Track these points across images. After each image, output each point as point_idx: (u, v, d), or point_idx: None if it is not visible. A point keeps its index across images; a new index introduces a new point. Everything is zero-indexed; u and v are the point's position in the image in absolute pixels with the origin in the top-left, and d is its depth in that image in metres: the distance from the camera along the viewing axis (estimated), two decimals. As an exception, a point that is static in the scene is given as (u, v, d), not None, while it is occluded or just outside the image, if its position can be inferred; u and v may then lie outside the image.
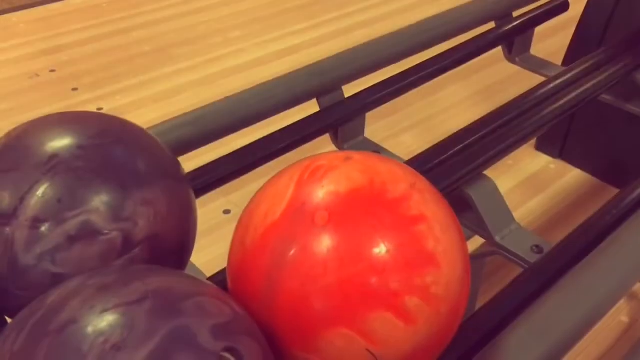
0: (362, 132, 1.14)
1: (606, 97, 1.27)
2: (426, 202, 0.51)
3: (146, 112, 2.00)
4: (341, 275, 0.48)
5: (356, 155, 0.54)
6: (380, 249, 0.48)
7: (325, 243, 0.48)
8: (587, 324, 0.65)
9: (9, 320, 0.58)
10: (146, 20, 2.60)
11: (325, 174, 0.51)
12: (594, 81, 1.14)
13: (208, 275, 0.76)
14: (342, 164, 0.52)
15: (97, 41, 2.44)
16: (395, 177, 0.52)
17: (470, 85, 2.12)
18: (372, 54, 1.20)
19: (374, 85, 1.13)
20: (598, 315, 0.67)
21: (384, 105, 1.15)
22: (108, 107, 2.04)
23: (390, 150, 1.14)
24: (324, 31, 2.54)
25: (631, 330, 1.28)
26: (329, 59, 1.15)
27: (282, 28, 2.55)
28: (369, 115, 1.13)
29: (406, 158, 0.96)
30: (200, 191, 0.90)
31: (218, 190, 0.95)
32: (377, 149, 1.12)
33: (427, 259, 0.49)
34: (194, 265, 0.85)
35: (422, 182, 0.53)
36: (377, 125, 1.84)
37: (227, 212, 1.56)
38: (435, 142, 1.00)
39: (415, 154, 0.97)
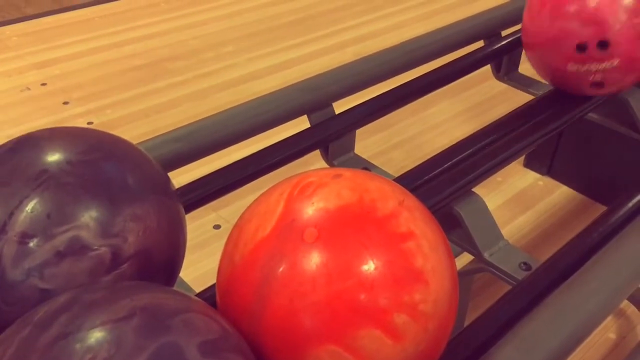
0: (352, 148, 1.15)
1: (593, 116, 1.29)
2: (415, 220, 0.52)
3: (137, 126, 2.00)
4: (330, 292, 0.48)
5: (346, 172, 0.54)
6: (369, 266, 0.48)
7: (314, 259, 0.48)
8: (575, 341, 0.66)
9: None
10: (139, 35, 2.60)
11: (315, 191, 0.52)
12: (581, 100, 1.15)
13: (197, 290, 0.75)
14: (331, 181, 0.53)
15: (89, 55, 2.44)
16: (384, 194, 0.52)
17: (460, 103, 2.13)
18: (363, 71, 1.21)
19: (364, 102, 1.14)
20: (586, 332, 0.68)
21: (373, 122, 1.16)
22: (99, 121, 2.04)
23: (380, 166, 1.14)
24: (315, 47, 2.56)
25: (619, 348, 1.29)
26: (319, 75, 1.16)
27: (274, 44, 2.56)
28: (358, 132, 1.14)
29: (396, 175, 0.96)
30: (191, 206, 0.90)
31: (208, 205, 0.95)
32: (367, 166, 1.13)
33: (415, 276, 0.50)
34: (183, 281, 0.85)
35: (411, 200, 0.54)
36: (367, 141, 1.85)
37: (217, 227, 1.56)
38: (425, 159, 1.01)
39: (405, 170, 0.97)
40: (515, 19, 1.41)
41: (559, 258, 0.81)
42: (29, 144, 0.60)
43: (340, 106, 1.13)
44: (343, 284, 0.48)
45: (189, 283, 0.93)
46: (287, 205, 0.51)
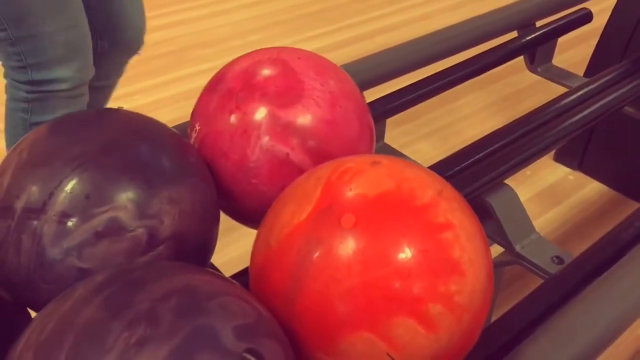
0: (383, 137, 1.14)
1: (629, 110, 1.26)
2: (453, 210, 0.51)
3: (166, 113, 2.01)
4: (365, 279, 0.48)
5: (384, 160, 0.54)
6: (406, 255, 0.48)
7: (350, 246, 0.48)
8: (609, 336, 0.65)
9: (32, 314, 0.59)
10: (167, 22, 2.61)
11: (353, 177, 0.51)
12: (617, 93, 1.13)
13: (227, 276, 0.76)
14: (370, 168, 0.52)
15: (118, 41, 2.46)
16: (423, 183, 0.52)
17: (489, 95, 2.11)
18: (392, 60, 1.20)
19: (395, 91, 1.13)
20: (620, 329, 0.67)
21: (403, 112, 1.15)
22: (127, 107, 2.05)
23: (409, 156, 1.13)
24: (343, 37, 2.54)
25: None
26: (348, 64, 1.15)
27: (301, 32, 2.55)
28: (388, 122, 1.13)
29: (425, 166, 0.95)
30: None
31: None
32: (397, 155, 1.12)
33: (452, 267, 0.49)
34: (213, 265, 0.85)
35: (449, 190, 0.53)
36: (395, 131, 1.83)
37: (243, 213, 1.57)
38: (453, 150, 1.00)
39: (433, 161, 0.96)
40: (550, 9, 1.39)
41: (592, 253, 0.80)
42: (68, 125, 0.60)
43: (370, 95, 1.13)
44: (379, 271, 0.48)
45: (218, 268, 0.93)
46: (324, 190, 0.51)
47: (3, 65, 1.09)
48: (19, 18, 0.98)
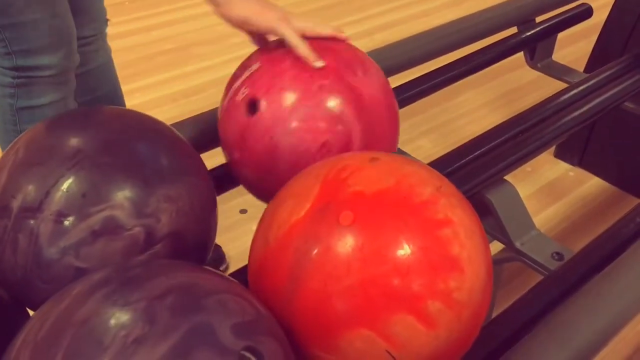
0: (382, 134, 1.13)
1: (629, 105, 1.25)
2: (452, 207, 0.51)
3: (165, 111, 2.01)
4: (364, 276, 0.48)
5: (382, 156, 0.53)
6: (405, 252, 0.48)
7: (349, 243, 0.48)
8: (610, 332, 0.64)
9: (30, 312, 0.59)
10: (167, 19, 2.61)
11: (351, 174, 0.51)
12: (617, 89, 1.13)
13: (226, 273, 0.76)
14: (368, 165, 0.52)
15: (118, 39, 2.45)
16: (421, 180, 0.51)
17: (489, 91, 2.10)
18: (392, 57, 1.20)
19: (394, 88, 1.12)
20: (620, 324, 0.66)
21: (403, 109, 1.14)
22: (128, 105, 2.04)
23: (409, 153, 1.13)
24: (344, 33, 2.54)
25: (649, 342, 1.27)
26: (349, 60, 1.15)
27: (301, 29, 2.55)
28: (388, 118, 1.13)
29: (425, 162, 0.95)
30: (218, 190, 0.89)
31: (235, 189, 0.95)
32: (396, 152, 1.12)
33: (451, 263, 0.49)
34: (211, 263, 0.85)
35: (448, 186, 0.53)
36: (394, 128, 1.83)
37: (243, 211, 1.56)
38: (453, 146, 1.00)
39: (433, 158, 0.96)
40: (550, 4, 1.39)
41: (593, 249, 0.80)
42: (64, 123, 0.60)
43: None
44: (378, 268, 0.47)
45: (217, 266, 0.93)
46: (322, 187, 0.51)
47: None
48: (2, 6, 1.00)
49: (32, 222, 0.53)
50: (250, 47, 0.78)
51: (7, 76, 1.07)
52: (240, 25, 0.70)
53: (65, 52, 1.07)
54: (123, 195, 0.54)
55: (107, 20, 1.27)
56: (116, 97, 1.33)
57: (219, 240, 0.70)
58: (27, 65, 1.05)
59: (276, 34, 0.70)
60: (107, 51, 1.29)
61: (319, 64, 0.66)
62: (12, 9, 1.00)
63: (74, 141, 0.56)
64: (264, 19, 0.68)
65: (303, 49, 0.67)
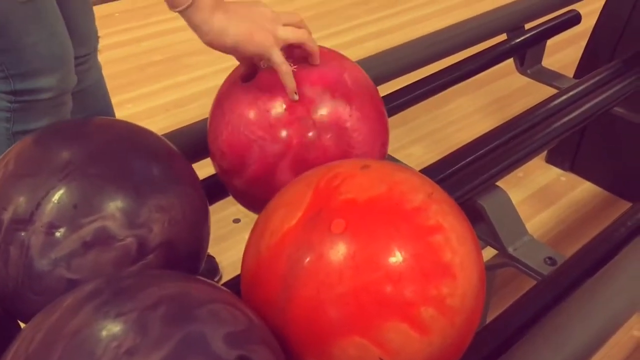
0: (374, 142, 1.14)
1: (618, 110, 1.26)
2: (444, 213, 0.51)
3: (157, 121, 2.01)
4: (357, 284, 0.48)
5: (374, 164, 0.53)
6: (397, 259, 0.48)
7: (341, 251, 0.48)
8: (603, 337, 0.65)
9: (22, 325, 0.58)
10: (158, 30, 2.61)
11: (343, 182, 0.51)
12: (606, 94, 1.13)
13: (219, 284, 0.75)
14: (359, 172, 0.52)
15: (109, 50, 2.45)
16: (413, 186, 0.51)
17: (480, 98, 2.11)
18: (383, 64, 1.20)
19: (385, 95, 1.13)
20: (612, 329, 0.67)
21: (394, 116, 1.15)
22: (120, 115, 2.04)
23: (401, 161, 1.13)
24: (334, 42, 2.54)
25: (643, 346, 1.27)
26: (340, 69, 1.15)
27: (292, 38, 2.55)
28: (380, 126, 1.13)
29: (417, 169, 0.95)
30: (210, 200, 0.89)
31: (228, 199, 0.95)
32: (388, 159, 1.12)
33: (443, 269, 0.49)
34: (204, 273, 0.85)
35: (440, 193, 0.53)
36: (386, 136, 1.84)
37: (236, 221, 1.56)
38: (445, 153, 1.00)
39: (425, 165, 0.96)
40: (539, 11, 1.40)
41: (585, 253, 0.80)
42: (55, 135, 0.60)
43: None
44: (370, 276, 0.47)
45: (210, 276, 0.93)
46: (314, 195, 0.51)
47: None
48: None
49: (23, 234, 0.52)
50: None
51: (3, 100, 1.05)
52: (230, 52, 0.70)
53: (63, 74, 1.05)
54: (114, 205, 0.54)
55: (98, 37, 1.26)
56: (108, 114, 1.32)
57: (212, 249, 0.70)
58: (25, 88, 1.03)
59: (265, 60, 0.70)
60: (98, 69, 1.29)
61: (295, 97, 0.67)
62: (8, 32, 0.98)
63: (64, 152, 0.56)
64: (253, 44, 0.68)
65: (287, 80, 0.67)
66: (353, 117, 0.69)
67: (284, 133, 0.67)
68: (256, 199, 0.69)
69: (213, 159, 0.77)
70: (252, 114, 0.68)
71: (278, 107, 0.67)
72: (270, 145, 0.67)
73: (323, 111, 0.67)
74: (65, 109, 1.10)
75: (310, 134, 0.67)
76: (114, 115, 1.36)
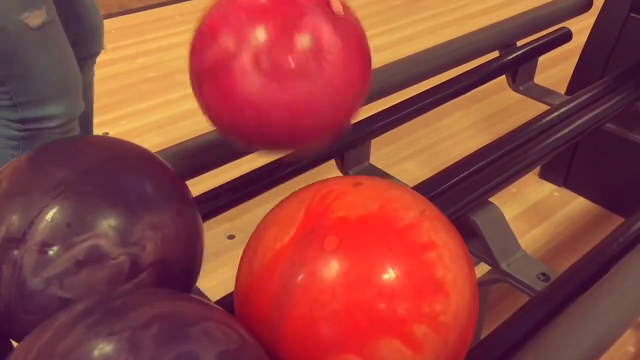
0: (368, 158, 1.14)
1: (610, 126, 1.28)
2: (436, 230, 0.51)
3: (151, 138, 2.01)
4: (350, 301, 0.48)
5: (366, 181, 0.54)
6: (390, 276, 0.48)
7: (334, 268, 0.48)
8: (596, 352, 0.65)
9: (14, 344, 0.58)
10: (152, 47, 2.62)
11: (336, 199, 0.51)
12: (598, 110, 1.14)
13: (213, 300, 0.75)
14: (352, 190, 0.52)
15: (103, 67, 2.45)
16: (405, 203, 0.52)
17: (474, 114, 2.12)
18: (378, 81, 1.21)
19: (379, 112, 1.14)
20: (606, 344, 0.67)
21: (388, 133, 1.16)
22: (113, 132, 2.05)
23: (395, 177, 1.14)
24: None
25: (638, 361, 1.27)
26: (334, 86, 1.16)
27: (286, 55, 2.57)
28: (373, 142, 1.14)
29: (411, 185, 0.96)
30: (205, 216, 0.89)
31: (222, 215, 0.95)
32: (382, 176, 1.13)
33: (436, 287, 0.49)
34: (199, 290, 0.85)
35: (432, 210, 0.54)
36: (381, 152, 1.84)
37: (231, 237, 1.56)
38: (439, 169, 1.00)
39: (419, 181, 0.97)
40: (531, 29, 1.41)
41: (578, 269, 0.80)
42: (48, 153, 0.60)
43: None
44: (363, 293, 0.48)
45: (204, 293, 0.93)
46: (307, 213, 0.51)
47: None
48: (6, 57, 0.96)
49: (15, 252, 0.52)
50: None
51: (12, 129, 1.03)
52: None
53: (71, 100, 1.04)
54: (107, 224, 0.54)
55: (102, 46, 1.28)
56: (89, 114, 1.32)
57: (206, 266, 0.70)
58: (34, 116, 1.02)
59: None
60: (93, 74, 1.30)
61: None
62: (18, 59, 0.96)
63: (57, 171, 0.56)
64: None
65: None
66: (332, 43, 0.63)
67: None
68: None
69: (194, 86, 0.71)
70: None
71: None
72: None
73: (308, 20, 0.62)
74: (73, 135, 1.08)
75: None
76: (92, 118, 1.36)
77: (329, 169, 1.10)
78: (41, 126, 1.03)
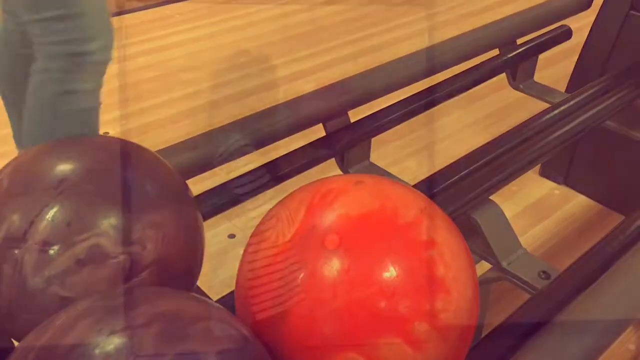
0: (368, 156, 1.14)
1: (610, 124, 1.27)
2: (437, 228, 0.51)
3: (152, 137, 2.01)
4: (351, 299, 0.48)
5: (367, 179, 0.54)
6: (390, 274, 0.48)
7: (335, 266, 0.48)
8: (596, 350, 0.65)
9: (15, 343, 0.58)
10: (153, 47, 2.62)
11: (337, 198, 0.51)
12: (598, 108, 1.14)
13: (213, 299, 0.75)
14: (353, 188, 0.52)
15: (104, 66, 2.46)
16: (406, 202, 0.52)
17: (474, 112, 2.12)
18: (378, 80, 1.21)
19: (379, 111, 1.14)
20: (607, 342, 0.67)
21: (388, 131, 1.16)
22: (114, 132, 2.05)
23: (396, 175, 1.14)
24: (330, 57, 2.56)
25: (638, 359, 1.27)
26: (335, 84, 1.16)
27: (288, 54, 2.57)
28: (374, 140, 1.14)
29: (411, 183, 0.96)
30: (205, 215, 0.89)
31: (223, 214, 0.95)
32: (382, 174, 1.13)
33: (436, 284, 0.49)
34: (199, 289, 0.85)
35: (433, 208, 0.54)
36: (381, 150, 1.84)
37: (231, 236, 1.56)
38: (440, 167, 1.00)
39: (420, 179, 0.97)
40: (531, 27, 1.41)
41: (579, 267, 0.80)
42: (49, 153, 0.60)
43: (355, 115, 1.13)
44: (364, 291, 0.48)
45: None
46: (308, 211, 0.51)
47: (40, 43, 1.20)
48: None
49: (16, 252, 0.52)
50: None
51: (59, 61, 1.19)
52: None
53: (110, 42, 1.23)
54: (108, 223, 0.54)
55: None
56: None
57: (207, 265, 0.70)
58: (81, 51, 1.18)
59: None
60: None
61: None
62: (70, 2, 1.14)
63: (58, 170, 0.56)
64: None
65: None
66: None
67: None
68: None
69: None
70: None
71: None
72: None
73: None
74: (103, 79, 1.27)
75: None
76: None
77: (330, 168, 1.10)
78: (85, 60, 1.20)
